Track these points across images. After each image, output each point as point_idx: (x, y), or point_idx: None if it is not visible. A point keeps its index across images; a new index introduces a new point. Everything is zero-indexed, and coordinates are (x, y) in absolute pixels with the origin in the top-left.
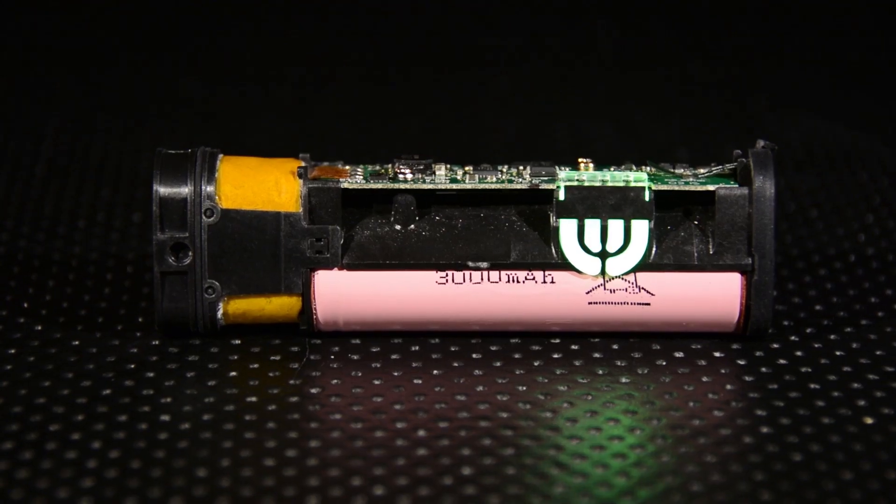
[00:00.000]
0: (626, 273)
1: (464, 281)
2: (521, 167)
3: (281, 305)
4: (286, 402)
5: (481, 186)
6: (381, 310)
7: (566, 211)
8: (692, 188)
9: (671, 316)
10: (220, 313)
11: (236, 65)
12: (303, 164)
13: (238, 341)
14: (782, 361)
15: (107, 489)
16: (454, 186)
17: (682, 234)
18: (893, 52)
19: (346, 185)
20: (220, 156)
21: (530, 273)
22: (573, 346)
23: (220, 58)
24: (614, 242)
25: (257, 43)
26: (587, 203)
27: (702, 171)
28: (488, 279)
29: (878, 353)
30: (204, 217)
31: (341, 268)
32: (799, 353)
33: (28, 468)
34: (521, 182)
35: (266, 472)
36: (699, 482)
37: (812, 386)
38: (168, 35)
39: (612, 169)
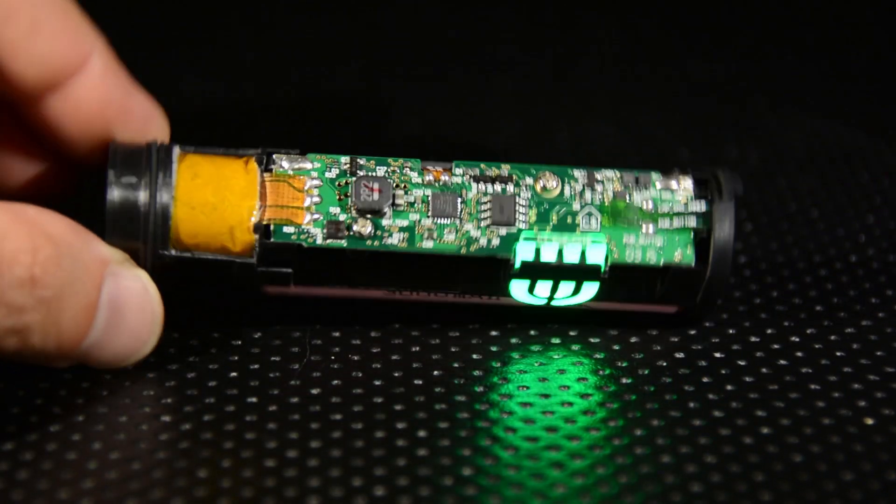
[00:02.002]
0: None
1: (410, 294)
2: (482, 212)
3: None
4: (287, 402)
5: (437, 253)
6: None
7: (519, 274)
8: (648, 264)
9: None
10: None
11: (236, 65)
12: (258, 205)
13: (238, 342)
14: (783, 362)
15: (108, 490)
16: (411, 251)
17: (632, 282)
18: (894, 52)
19: (300, 244)
20: (174, 189)
21: (479, 299)
22: (573, 347)
23: (220, 57)
24: (564, 292)
25: (257, 43)
26: (541, 272)
27: (670, 207)
28: (435, 297)
29: (878, 353)
30: (157, 258)
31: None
32: (799, 354)
33: (28, 469)
34: (476, 248)
35: (267, 472)
36: (699, 482)
37: (812, 386)
38: (167, 35)
39: (577, 224)
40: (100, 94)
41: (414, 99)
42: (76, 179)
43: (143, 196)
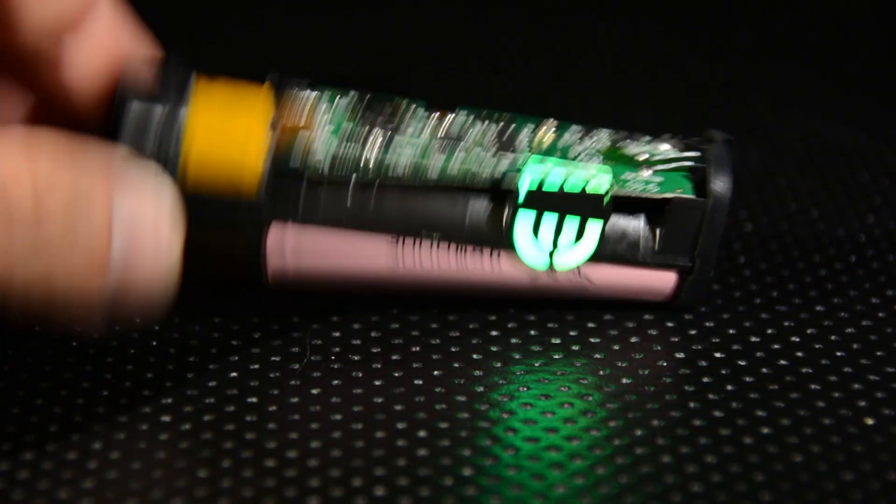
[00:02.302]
0: (572, 268)
1: (415, 245)
2: (492, 142)
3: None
4: (287, 402)
5: (442, 182)
6: (331, 253)
7: (525, 204)
8: (650, 195)
9: (608, 294)
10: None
11: (235, 64)
12: (271, 130)
13: (238, 342)
14: (783, 362)
15: (108, 490)
16: (416, 183)
17: (631, 232)
18: (893, 52)
19: (308, 176)
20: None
21: (483, 248)
22: (574, 347)
23: (219, 57)
24: (566, 238)
25: (257, 42)
26: (545, 202)
27: (662, 152)
28: (437, 246)
29: (878, 353)
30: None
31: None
32: (800, 354)
33: (29, 469)
34: (484, 173)
35: (267, 472)
36: (699, 482)
37: (813, 386)
38: (167, 34)
39: (577, 156)
40: (109, 37)
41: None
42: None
43: (158, 111)
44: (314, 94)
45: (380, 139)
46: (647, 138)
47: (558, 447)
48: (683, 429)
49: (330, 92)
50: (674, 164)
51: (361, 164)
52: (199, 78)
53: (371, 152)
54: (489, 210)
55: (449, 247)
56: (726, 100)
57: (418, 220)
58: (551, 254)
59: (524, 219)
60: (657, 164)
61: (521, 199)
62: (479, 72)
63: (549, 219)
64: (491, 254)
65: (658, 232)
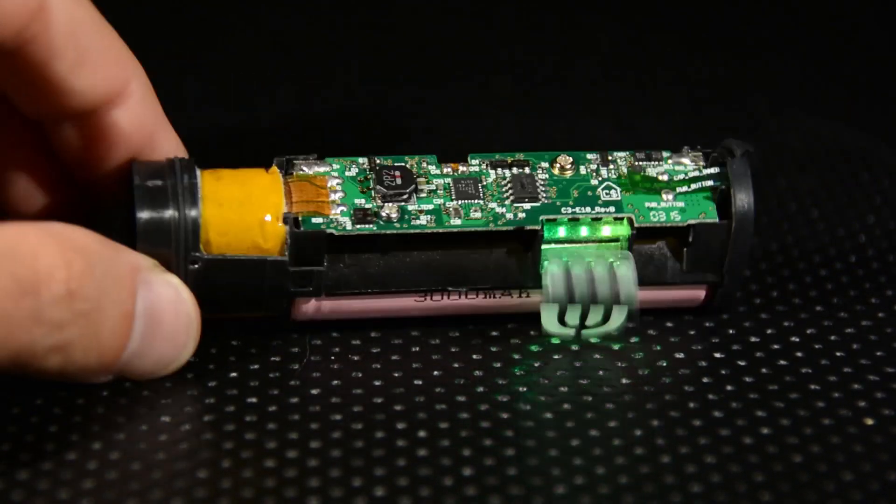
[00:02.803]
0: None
1: (441, 299)
2: (504, 192)
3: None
4: (287, 403)
5: (466, 230)
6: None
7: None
8: (672, 224)
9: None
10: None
11: (235, 64)
12: (284, 201)
13: (237, 342)
14: (783, 362)
15: (108, 491)
16: (439, 230)
17: (657, 256)
18: (894, 52)
19: (331, 231)
20: (200, 191)
21: (507, 292)
22: (573, 347)
23: (219, 57)
24: (593, 320)
25: (256, 42)
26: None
27: (683, 170)
28: (465, 298)
29: (878, 353)
30: (190, 264)
31: (322, 297)
32: (799, 354)
33: (28, 469)
34: (503, 222)
35: (267, 473)
36: (699, 483)
37: (812, 387)
38: (166, 34)
39: (597, 196)
40: (135, 121)
41: (413, 101)
42: (88, 206)
43: (170, 202)
44: (323, 168)
45: (394, 214)
46: (667, 154)
47: (558, 446)
48: (683, 429)
49: (339, 164)
50: (695, 186)
51: (382, 219)
52: (204, 170)
53: (392, 212)
54: (514, 259)
55: (476, 294)
56: (726, 100)
57: (443, 277)
58: (578, 329)
59: (548, 309)
60: (679, 186)
61: (545, 290)
62: (479, 73)
63: (574, 308)
64: (520, 293)
65: (685, 254)
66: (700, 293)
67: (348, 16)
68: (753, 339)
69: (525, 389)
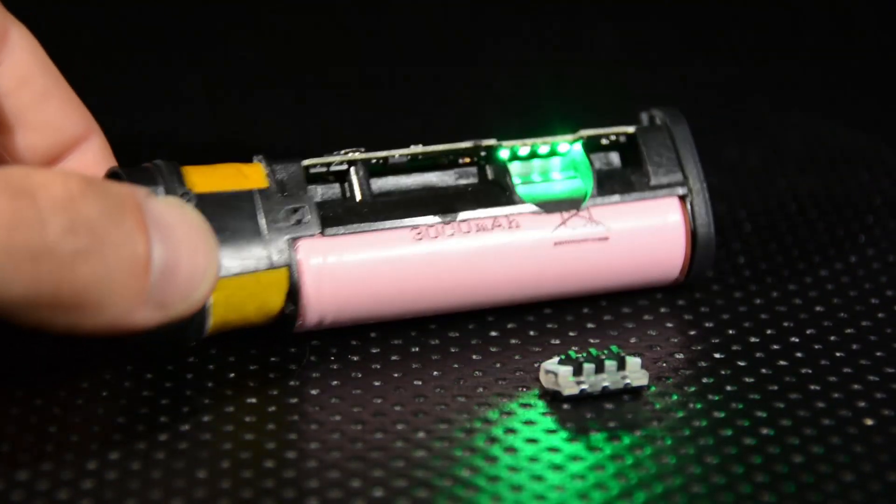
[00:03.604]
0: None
1: (437, 236)
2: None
3: (270, 283)
4: (286, 403)
5: (430, 149)
6: (367, 281)
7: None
8: (617, 130)
9: (628, 248)
10: (211, 302)
11: (233, 63)
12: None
13: (236, 343)
14: (783, 363)
15: (107, 491)
16: (405, 151)
17: (618, 172)
18: (894, 52)
19: (306, 163)
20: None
21: (497, 219)
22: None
23: (218, 57)
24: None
25: (255, 41)
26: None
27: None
28: (459, 230)
29: (878, 354)
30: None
31: (321, 235)
32: (799, 355)
33: (28, 470)
34: (464, 143)
35: (266, 473)
36: (701, 483)
37: (813, 387)
38: (166, 34)
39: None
40: (93, 172)
41: (413, 99)
42: None
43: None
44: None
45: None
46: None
47: (557, 448)
48: (684, 430)
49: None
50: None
51: (354, 157)
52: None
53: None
54: (485, 184)
55: (470, 228)
56: (726, 100)
57: (428, 207)
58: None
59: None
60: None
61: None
62: (478, 72)
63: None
64: (509, 223)
65: (643, 165)
66: (675, 211)
67: (346, 13)
68: (753, 339)
69: (524, 391)
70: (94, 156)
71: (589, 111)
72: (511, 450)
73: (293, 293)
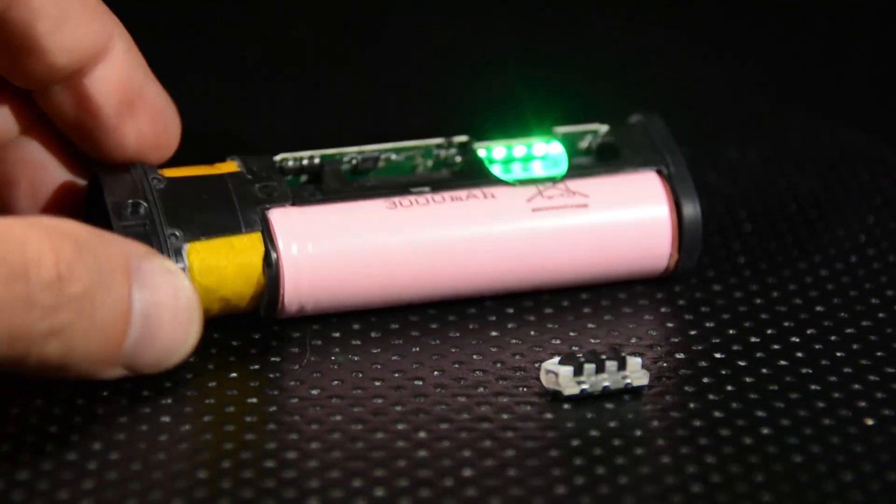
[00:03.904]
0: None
1: (411, 205)
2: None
3: (245, 247)
4: (287, 403)
5: (401, 145)
6: (340, 239)
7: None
8: (593, 127)
9: (609, 216)
10: (186, 265)
11: (234, 63)
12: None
13: (237, 343)
14: (783, 363)
15: (108, 491)
16: (377, 147)
17: (596, 161)
18: (893, 52)
19: (278, 158)
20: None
21: (471, 191)
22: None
23: (218, 57)
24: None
25: (254, 41)
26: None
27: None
28: (433, 200)
29: (878, 354)
30: (153, 183)
31: (292, 204)
32: (799, 355)
33: (28, 470)
34: (435, 141)
35: (267, 473)
36: (699, 483)
37: (813, 387)
38: (166, 34)
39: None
40: (121, 75)
41: (413, 98)
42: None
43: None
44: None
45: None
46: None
47: (559, 446)
48: (683, 429)
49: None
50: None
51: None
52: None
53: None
54: (461, 169)
55: (443, 199)
56: (726, 100)
57: (402, 182)
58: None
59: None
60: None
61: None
62: (478, 72)
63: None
64: (483, 194)
65: (620, 152)
66: (655, 184)
67: (345, 14)
68: (754, 339)
69: (525, 390)
70: (118, 68)
71: (589, 111)
72: (512, 449)
73: (269, 257)
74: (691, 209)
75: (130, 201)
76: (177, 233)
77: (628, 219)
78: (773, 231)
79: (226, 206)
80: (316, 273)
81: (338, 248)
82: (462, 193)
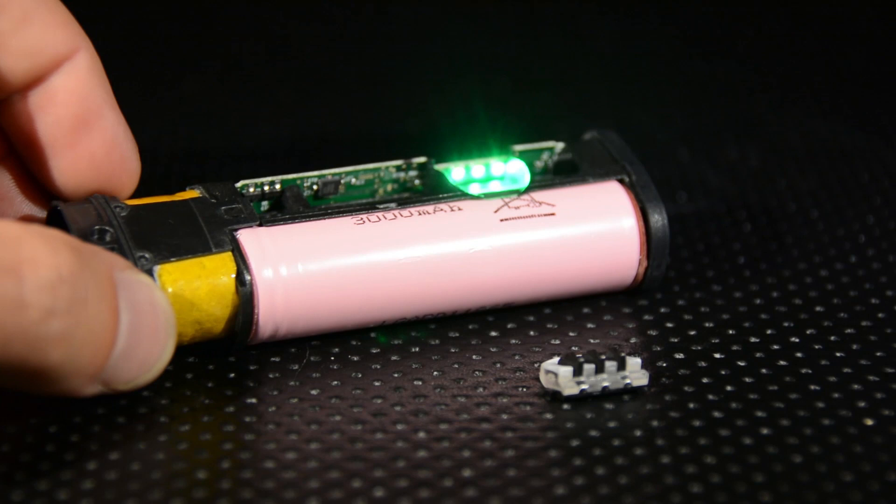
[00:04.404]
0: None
1: (379, 220)
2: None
3: (216, 266)
4: (286, 404)
5: (361, 167)
6: (311, 255)
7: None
8: (548, 144)
9: (577, 225)
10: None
11: (233, 63)
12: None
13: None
14: (782, 363)
15: (107, 491)
16: (338, 170)
17: (560, 180)
18: (893, 52)
19: (238, 184)
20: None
21: (438, 205)
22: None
23: (218, 57)
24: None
25: (255, 41)
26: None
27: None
28: (401, 215)
29: (878, 354)
30: (116, 210)
31: (260, 224)
32: (799, 355)
33: (28, 470)
34: (394, 163)
35: (266, 474)
36: (699, 483)
37: (812, 387)
38: (165, 33)
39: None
40: (80, 90)
41: (413, 98)
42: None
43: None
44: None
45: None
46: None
47: (559, 446)
48: (682, 430)
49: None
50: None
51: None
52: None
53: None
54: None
55: (410, 213)
56: (726, 100)
57: (367, 202)
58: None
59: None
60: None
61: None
62: (478, 72)
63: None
64: (450, 208)
65: (579, 165)
66: (618, 193)
67: (345, 13)
68: (753, 339)
69: (525, 390)
70: (77, 82)
71: (589, 111)
72: (511, 449)
73: (241, 275)
74: (657, 215)
75: (96, 227)
76: (146, 255)
77: (597, 226)
78: (773, 231)
79: (193, 228)
80: (290, 290)
81: (309, 265)
82: (429, 208)
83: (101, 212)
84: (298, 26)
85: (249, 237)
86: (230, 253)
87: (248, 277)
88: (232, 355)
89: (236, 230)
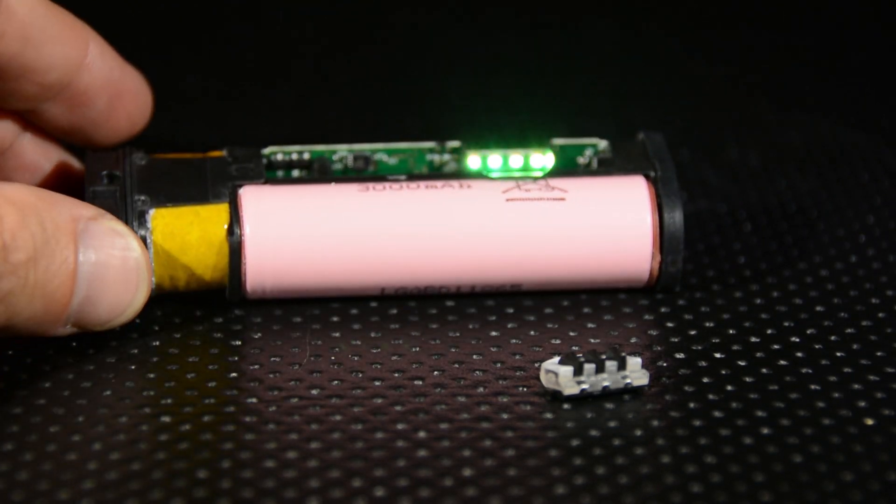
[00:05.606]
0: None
1: (384, 189)
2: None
3: (210, 215)
4: (286, 403)
5: (394, 145)
6: (306, 214)
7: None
8: (590, 140)
9: (587, 212)
10: (150, 229)
11: (233, 62)
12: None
13: (238, 342)
14: (783, 362)
15: (108, 491)
16: (371, 146)
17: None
18: (893, 51)
19: (266, 150)
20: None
21: (448, 182)
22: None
23: (218, 55)
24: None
25: (255, 40)
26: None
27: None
28: (407, 186)
29: (878, 354)
30: (135, 159)
31: (265, 182)
32: (799, 355)
33: (29, 470)
34: (428, 145)
35: (267, 473)
36: (699, 483)
37: (812, 387)
38: (165, 34)
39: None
40: (103, 75)
41: (413, 97)
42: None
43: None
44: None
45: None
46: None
47: (559, 445)
48: (683, 429)
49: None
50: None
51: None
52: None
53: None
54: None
55: (418, 185)
56: (726, 100)
57: (381, 174)
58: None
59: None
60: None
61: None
62: (478, 71)
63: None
64: (460, 184)
65: (616, 162)
66: (640, 187)
67: (346, 13)
68: (754, 339)
69: (526, 389)
70: (99, 70)
71: (588, 112)
72: (512, 449)
73: (232, 226)
74: (674, 213)
75: (105, 172)
76: (143, 198)
77: (608, 218)
78: (773, 231)
79: (198, 181)
80: (280, 245)
81: (303, 223)
82: (438, 183)
83: (121, 158)
84: (299, 25)
85: (250, 192)
86: (226, 204)
87: (237, 229)
88: (233, 355)
89: (240, 185)
